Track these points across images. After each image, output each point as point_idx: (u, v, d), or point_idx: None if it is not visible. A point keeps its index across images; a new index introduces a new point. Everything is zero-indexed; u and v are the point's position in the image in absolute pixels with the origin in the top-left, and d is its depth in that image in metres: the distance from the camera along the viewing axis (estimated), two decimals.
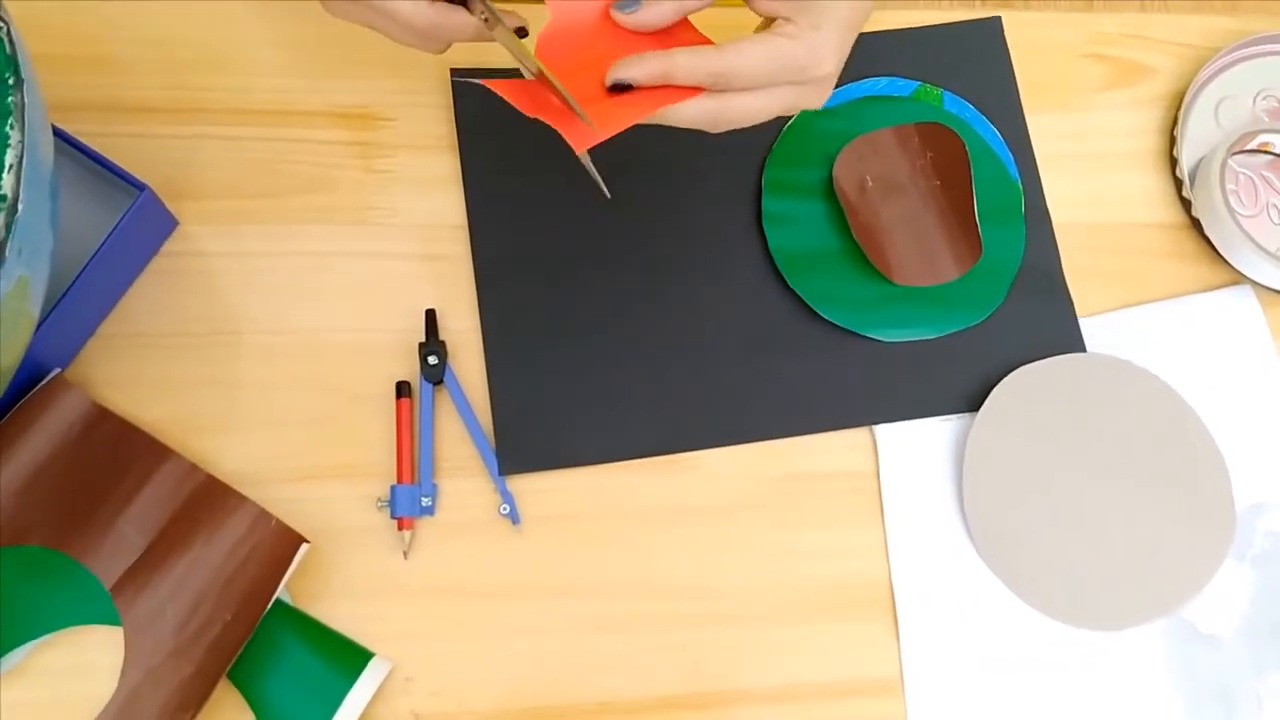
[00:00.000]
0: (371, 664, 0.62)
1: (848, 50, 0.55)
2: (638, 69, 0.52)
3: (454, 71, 0.74)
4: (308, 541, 0.63)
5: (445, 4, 0.56)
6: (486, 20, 0.56)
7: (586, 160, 0.57)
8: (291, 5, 0.75)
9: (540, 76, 0.54)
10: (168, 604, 0.61)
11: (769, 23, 0.55)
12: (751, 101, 0.53)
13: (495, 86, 0.54)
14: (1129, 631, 0.69)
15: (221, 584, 0.62)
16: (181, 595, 0.61)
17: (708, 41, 0.54)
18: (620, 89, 0.53)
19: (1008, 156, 0.76)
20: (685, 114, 0.53)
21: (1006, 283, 0.73)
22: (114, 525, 0.63)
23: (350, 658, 0.63)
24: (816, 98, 0.55)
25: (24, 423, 0.63)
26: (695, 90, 0.53)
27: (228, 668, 0.61)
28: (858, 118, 0.76)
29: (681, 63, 0.52)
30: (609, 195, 0.59)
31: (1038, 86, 0.79)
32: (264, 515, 0.63)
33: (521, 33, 0.56)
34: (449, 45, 0.58)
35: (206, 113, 0.71)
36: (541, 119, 0.53)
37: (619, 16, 0.54)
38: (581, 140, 0.52)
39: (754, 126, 0.74)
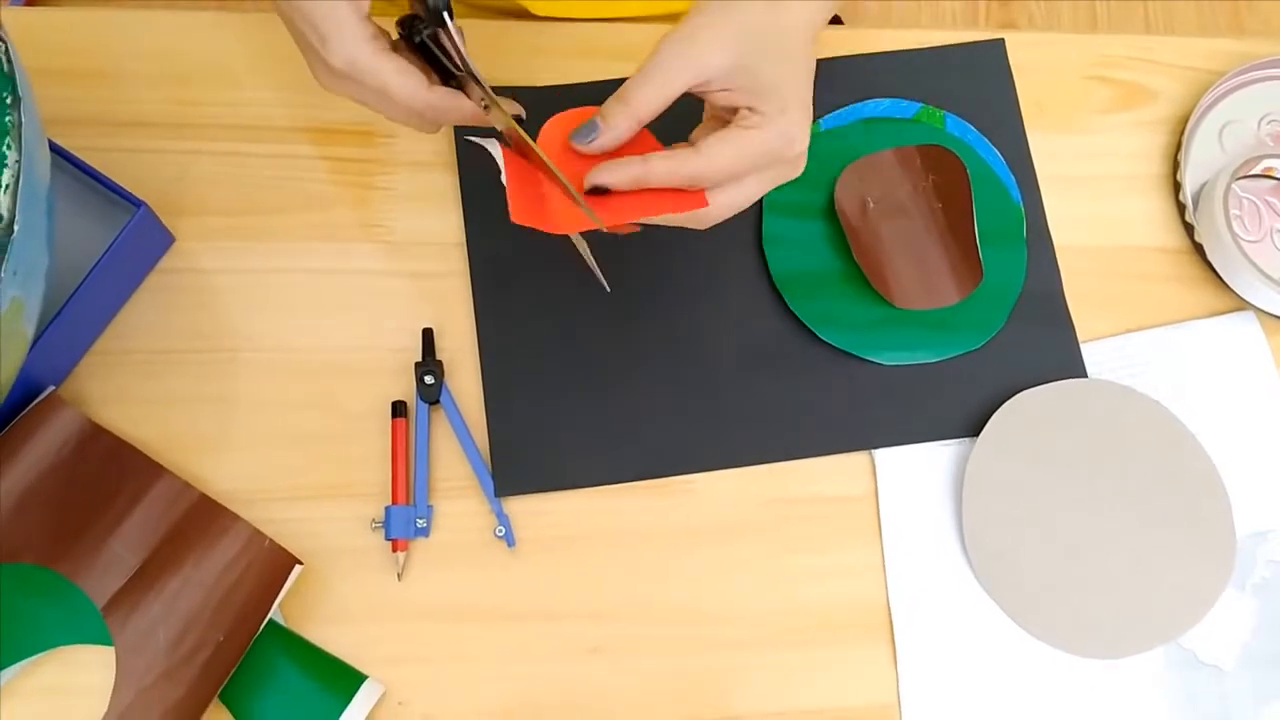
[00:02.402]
0: (364, 687, 0.62)
1: (809, 122, 0.56)
2: (614, 175, 0.54)
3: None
4: (301, 563, 0.62)
5: (444, 88, 0.57)
6: (486, 106, 0.57)
7: (584, 249, 0.58)
8: None
9: (537, 162, 0.55)
10: (159, 624, 0.61)
11: (716, 116, 0.56)
12: (734, 197, 0.55)
13: (507, 162, 0.56)
14: (1129, 660, 0.68)
15: (214, 605, 0.61)
16: (173, 615, 0.61)
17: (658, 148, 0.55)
18: (599, 192, 0.54)
19: (1010, 179, 0.76)
20: (672, 217, 0.55)
21: (1008, 306, 0.73)
22: (106, 544, 0.62)
23: (343, 680, 0.62)
24: (794, 171, 0.57)
25: (18, 440, 0.62)
26: (678, 194, 0.54)
27: (219, 689, 0.61)
28: (860, 139, 0.75)
29: (657, 169, 0.53)
30: (609, 289, 0.61)
31: (1041, 109, 0.78)
32: (257, 535, 0.62)
33: (518, 119, 0.57)
34: (442, 126, 0.59)
35: (204, 128, 0.71)
36: (527, 212, 0.54)
37: (580, 147, 0.55)
38: (565, 223, 0.54)
39: None
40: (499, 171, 0.56)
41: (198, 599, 0.61)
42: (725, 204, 0.55)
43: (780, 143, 0.54)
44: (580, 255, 0.60)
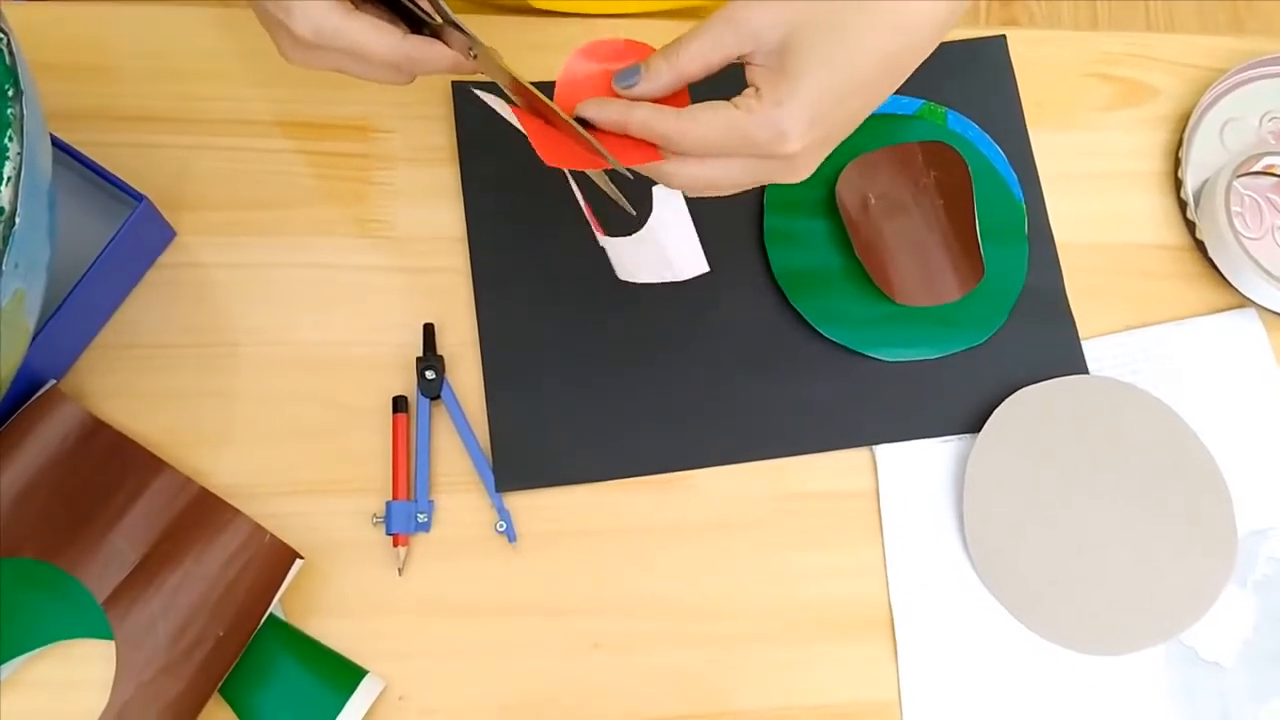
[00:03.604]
0: (364, 682, 0.62)
1: (827, 128, 0.52)
2: (597, 111, 0.53)
3: (455, 84, 0.73)
4: (301, 557, 0.62)
5: (419, 36, 0.56)
6: (474, 55, 0.56)
7: (604, 183, 0.57)
8: None
9: (529, 100, 0.54)
10: (160, 618, 0.61)
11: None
12: (707, 170, 0.52)
13: (517, 114, 0.55)
14: (1130, 656, 0.68)
15: (214, 599, 0.61)
16: (174, 610, 0.61)
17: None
18: (583, 122, 0.53)
19: (1011, 176, 0.76)
20: (642, 170, 0.54)
21: (1009, 303, 0.73)
22: (107, 538, 0.62)
23: (343, 675, 0.62)
24: (786, 174, 0.53)
25: (19, 434, 0.62)
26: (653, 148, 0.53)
27: (219, 684, 0.61)
28: (861, 135, 0.74)
29: (638, 117, 0.52)
30: (633, 212, 0.59)
31: (1042, 106, 0.78)
32: (258, 530, 0.62)
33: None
34: (415, 78, 0.58)
35: (206, 123, 0.71)
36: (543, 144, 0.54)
37: (620, 89, 0.53)
38: (558, 156, 0.54)
39: None
40: (505, 125, 0.56)
41: (198, 593, 0.61)
42: (693, 174, 0.52)
43: (764, 133, 0.50)
44: (599, 188, 0.58)
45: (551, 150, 0.54)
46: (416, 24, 0.57)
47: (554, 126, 0.55)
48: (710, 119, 0.51)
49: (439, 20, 0.56)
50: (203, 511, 0.63)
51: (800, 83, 0.50)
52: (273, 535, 0.62)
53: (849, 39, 0.50)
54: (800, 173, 0.53)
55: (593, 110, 0.53)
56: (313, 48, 0.55)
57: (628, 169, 0.53)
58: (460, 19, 0.55)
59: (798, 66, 0.50)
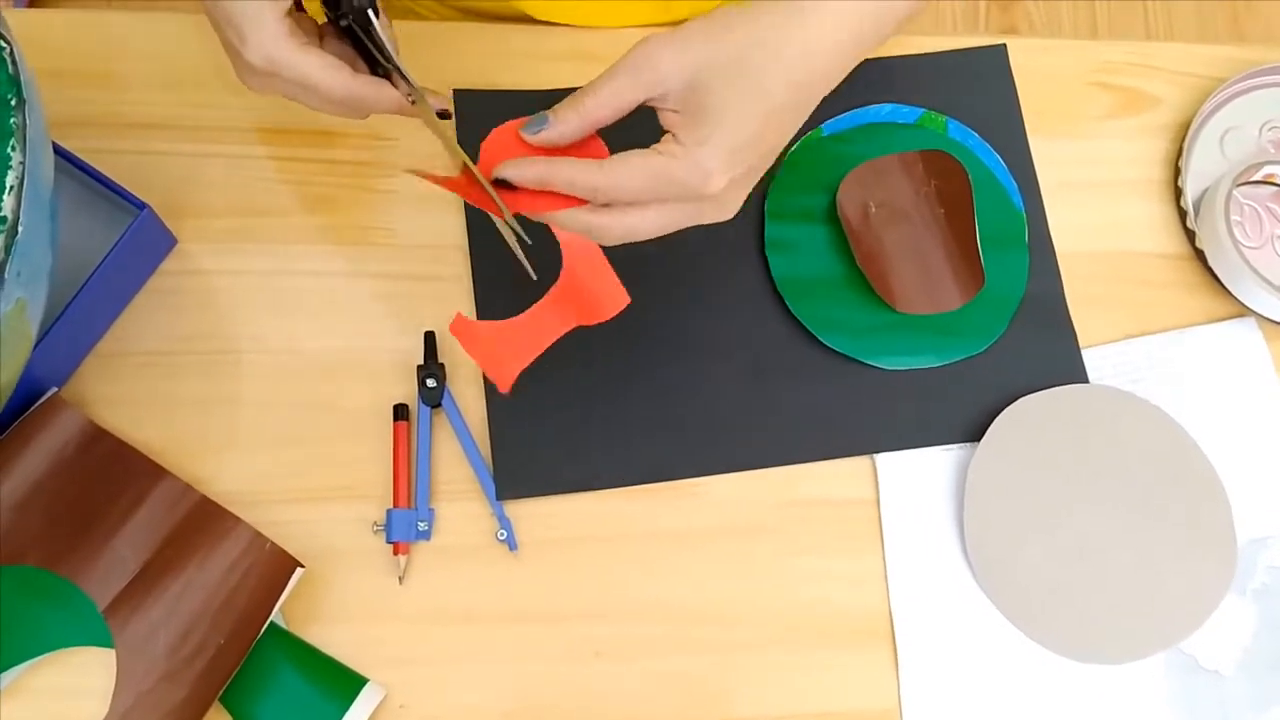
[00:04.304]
0: (365, 690, 0.62)
1: (749, 162, 0.52)
2: (517, 170, 0.53)
3: (456, 91, 0.73)
4: (302, 565, 0.62)
5: (368, 77, 0.57)
6: (412, 100, 0.57)
7: (510, 236, 0.57)
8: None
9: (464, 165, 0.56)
10: (160, 626, 0.61)
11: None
12: (637, 220, 0.53)
13: (439, 183, 0.56)
14: (1129, 665, 0.68)
15: (215, 607, 0.61)
16: (175, 618, 0.61)
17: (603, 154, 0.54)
18: (502, 184, 0.54)
19: (1011, 184, 0.76)
20: (568, 223, 0.54)
21: (1009, 312, 0.73)
22: (108, 546, 0.62)
23: (344, 683, 0.62)
24: (715, 213, 0.54)
25: (20, 442, 0.62)
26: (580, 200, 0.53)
27: (220, 692, 0.61)
28: (862, 144, 0.75)
29: (561, 173, 0.52)
30: (535, 278, 0.60)
31: (1042, 114, 0.78)
32: (259, 538, 0.62)
33: (444, 115, 0.58)
34: (369, 115, 0.59)
35: (207, 130, 0.71)
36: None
37: (526, 137, 0.54)
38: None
39: None
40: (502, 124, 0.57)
41: (199, 601, 0.61)
42: (625, 225, 0.53)
43: (690, 176, 0.51)
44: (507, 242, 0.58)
45: (465, 189, 0.56)
46: (373, 62, 0.58)
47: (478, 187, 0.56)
48: (635, 167, 0.51)
49: (390, 65, 0.57)
50: (204, 519, 0.63)
51: (717, 122, 0.51)
52: (273, 543, 0.62)
53: (757, 75, 0.51)
54: (728, 210, 0.54)
55: (512, 170, 0.53)
56: (265, 74, 0.56)
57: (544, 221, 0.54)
58: (405, 67, 0.57)
59: (711, 107, 0.51)
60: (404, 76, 0.58)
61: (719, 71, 0.51)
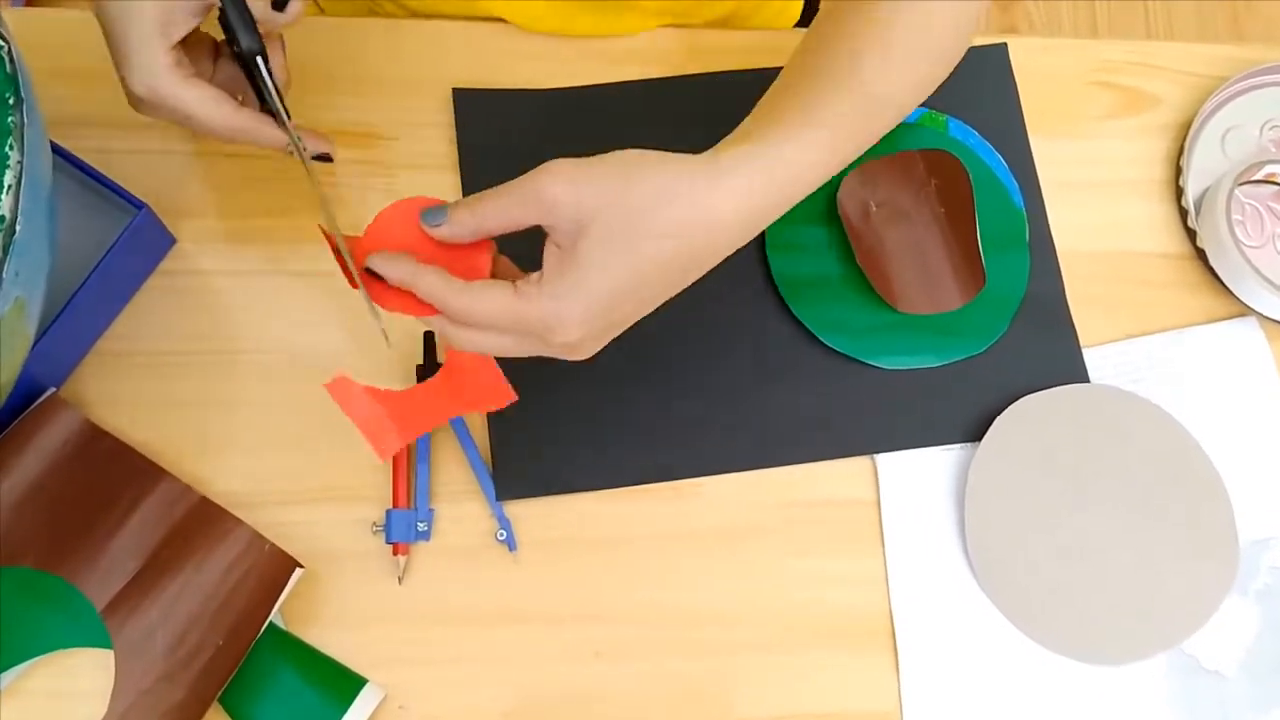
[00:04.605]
0: (364, 691, 0.62)
1: (605, 323, 0.52)
2: (386, 267, 0.53)
3: (457, 91, 0.73)
4: (301, 566, 0.62)
5: (249, 112, 0.58)
6: (289, 149, 0.59)
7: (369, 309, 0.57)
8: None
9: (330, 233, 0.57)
10: (159, 627, 0.61)
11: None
12: (484, 340, 0.53)
13: (331, 246, 0.57)
14: (1131, 666, 0.68)
15: (214, 608, 0.61)
16: (173, 619, 0.61)
17: (484, 270, 0.55)
18: (372, 274, 0.54)
19: (1012, 183, 0.75)
20: (429, 322, 0.54)
21: (1010, 311, 0.73)
22: (106, 547, 0.62)
23: (343, 684, 0.62)
24: (566, 355, 0.53)
25: (18, 442, 0.62)
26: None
27: (219, 693, 0.60)
28: None
29: (424, 283, 0.52)
30: (389, 345, 0.61)
31: (1043, 113, 0.78)
32: (258, 539, 0.62)
33: (322, 158, 0.61)
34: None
35: None
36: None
37: (424, 226, 0.54)
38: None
39: None
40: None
41: (197, 602, 0.61)
42: (471, 340, 0.53)
43: (540, 323, 0.50)
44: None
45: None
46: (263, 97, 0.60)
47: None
48: (491, 301, 0.51)
49: (267, 107, 0.59)
50: (202, 520, 0.63)
51: (581, 280, 0.50)
52: (272, 544, 0.62)
53: (636, 244, 0.50)
54: (581, 354, 0.53)
55: (380, 264, 0.53)
56: (148, 104, 0.57)
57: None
58: (286, 110, 0.59)
59: (584, 259, 0.50)
60: (283, 122, 0.59)
61: (604, 224, 0.50)
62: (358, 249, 0.56)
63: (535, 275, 0.51)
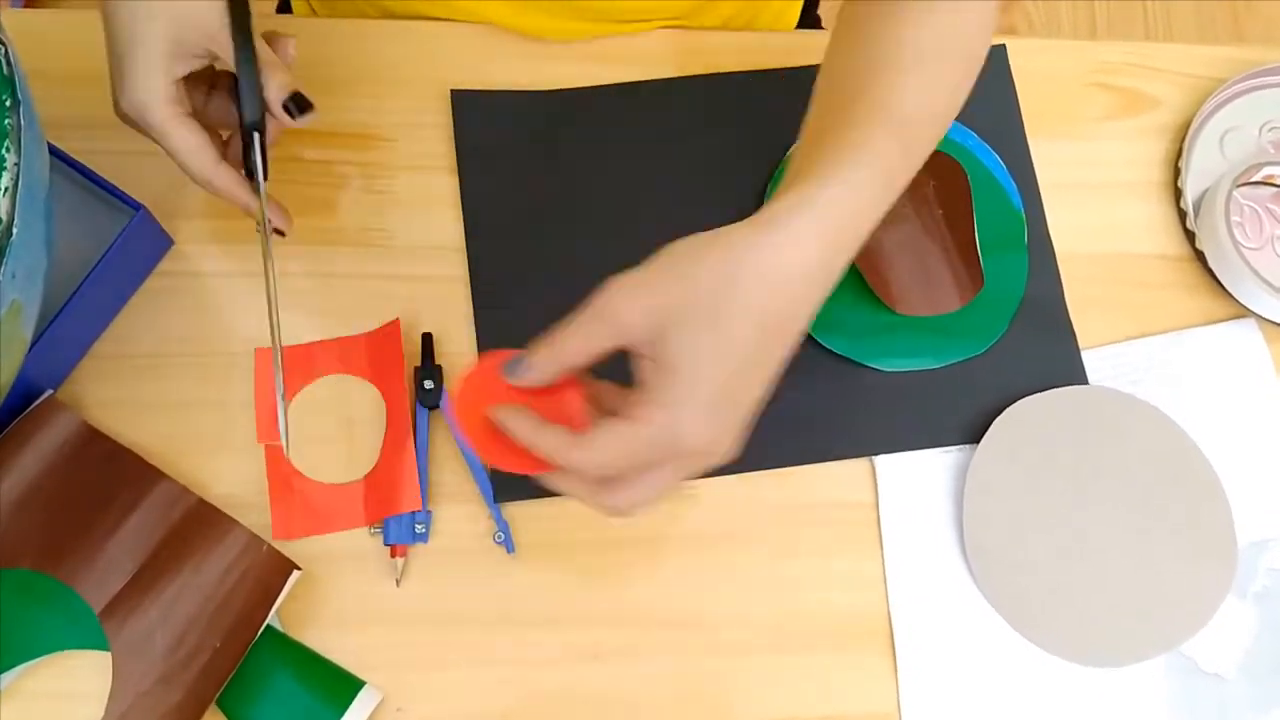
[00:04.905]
0: (362, 693, 0.62)
1: (729, 410, 0.49)
2: (510, 423, 0.51)
3: (455, 93, 0.73)
4: (299, 568, 0.62)
5: (229, 173, 0.60)
6: (259, 229, 0.61)
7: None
8: (290, 23, 0.74)
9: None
10: (157, 629, 0.61)
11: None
12: (634, 494, 0.51)
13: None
14: (1130, 668, 0.68)
15: (211, 610, 0.61)
16: (171, 620, 0.61)
17: (580, 407, 0.53)
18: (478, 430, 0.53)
19: (1011, 185, 0.75)
20: (572, 493, 0.52)
21: (1009, 313, 0.73)
22: (104, 548, 0.62)
23: (340, 686, 0.62)
24: (709, 462, 0.51)
25: (16, 444, 0.62)
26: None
27: (217, 695, 0.60)
28: None
29: (544, 443, 0.50)
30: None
31: (1042, 115, 0.78)
32: (255, 540, 0.62)
33: (279, 232, 0.62)
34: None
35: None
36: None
37: (508, 378, 0.52)
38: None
39: (755, 149, 0.74)
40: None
41: (195, 604, 0.61)
42: (627, 500, 0.51)
43: (665, 437, 0.48)
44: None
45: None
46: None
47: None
48: (612, 439, 0.49)
49: (259, 177, 0.60)
50: (200, 522, 0.63)
51: (684, 379, 0.48)
52: (270, 546, 0.62)
53: (722, 322, 0.48)
54: (722, 454, 0.51)
55: (508, 419, 0.52)
56: (132, 122, 0.58)
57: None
58: (264, 186, 0.61)
59: (679, 360, 0.48)
60: (258, 193, 0.60)
61: (684, 321, 0.48)
62: (460, 407, 0.54)
63: (640, 394, 0.49)
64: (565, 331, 0.50)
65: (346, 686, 0.62)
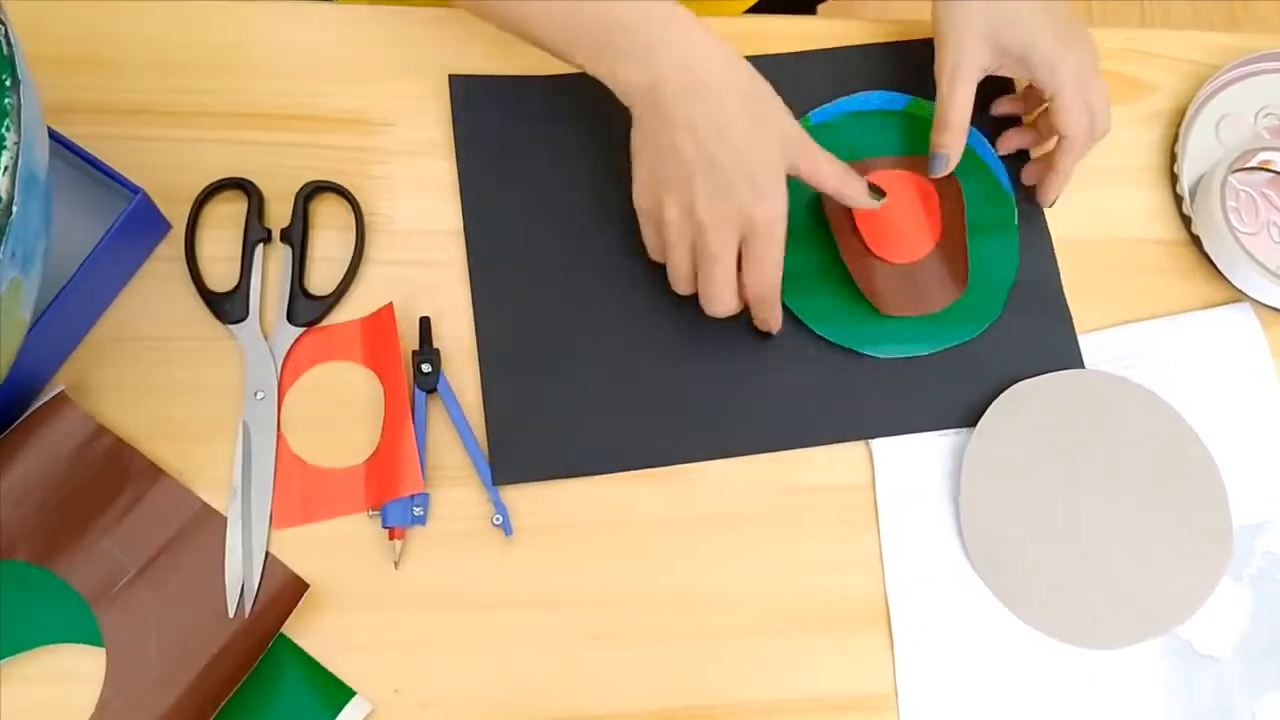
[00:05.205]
0: (350, 704, 0.61)
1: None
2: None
3: (453, 77, 0.73)
4: (308, 585, 0.62)
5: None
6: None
7: None
8: (288, 8, 0.74)
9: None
10: (153, 630, 0.60)
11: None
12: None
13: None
14: (1126, 650, 0.68)
15: (215, 617, 0.61)
16: (169, 622, 0.60)
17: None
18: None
19: (999, 165, 0.75)
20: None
21: (1002, 296, 0.73)
22: (102, 545, 0.62)
23: (329, 695, 0.61)
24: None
25: (21, 437, 0.62)
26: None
27: (220, 706, 0.59)
28: (850, 132, 0.75)
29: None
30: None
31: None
32: (266, 556, 0.62)
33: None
34: None
35: (202, 116, 0.71)
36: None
37: (935, 175, 0.71)
38: None
39: None
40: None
41: (193, 610, 0.61)
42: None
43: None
44: None
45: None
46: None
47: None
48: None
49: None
50: (202, 525, 0.63)
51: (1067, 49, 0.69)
52: (283, 564, 0.62)
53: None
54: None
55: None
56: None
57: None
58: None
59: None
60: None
61: (996, 17, 0.69)
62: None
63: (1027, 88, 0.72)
64: (943, 100, 0.70)
65: (336, 695, 0.61)
